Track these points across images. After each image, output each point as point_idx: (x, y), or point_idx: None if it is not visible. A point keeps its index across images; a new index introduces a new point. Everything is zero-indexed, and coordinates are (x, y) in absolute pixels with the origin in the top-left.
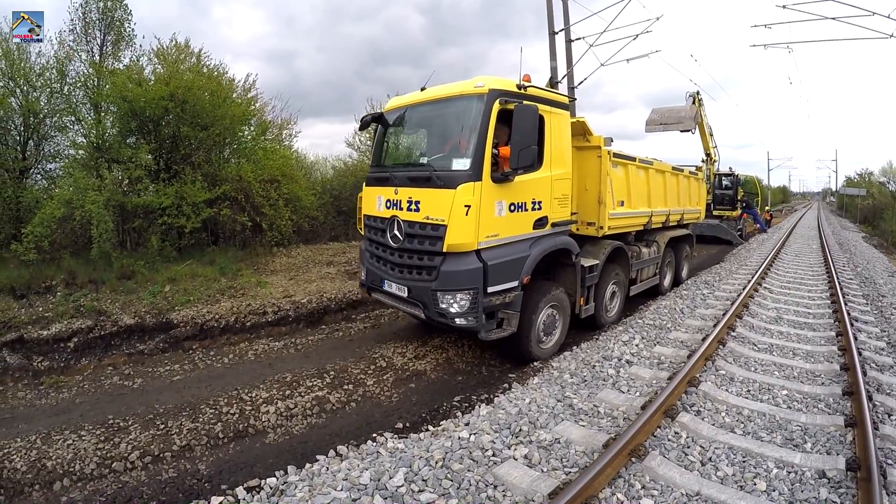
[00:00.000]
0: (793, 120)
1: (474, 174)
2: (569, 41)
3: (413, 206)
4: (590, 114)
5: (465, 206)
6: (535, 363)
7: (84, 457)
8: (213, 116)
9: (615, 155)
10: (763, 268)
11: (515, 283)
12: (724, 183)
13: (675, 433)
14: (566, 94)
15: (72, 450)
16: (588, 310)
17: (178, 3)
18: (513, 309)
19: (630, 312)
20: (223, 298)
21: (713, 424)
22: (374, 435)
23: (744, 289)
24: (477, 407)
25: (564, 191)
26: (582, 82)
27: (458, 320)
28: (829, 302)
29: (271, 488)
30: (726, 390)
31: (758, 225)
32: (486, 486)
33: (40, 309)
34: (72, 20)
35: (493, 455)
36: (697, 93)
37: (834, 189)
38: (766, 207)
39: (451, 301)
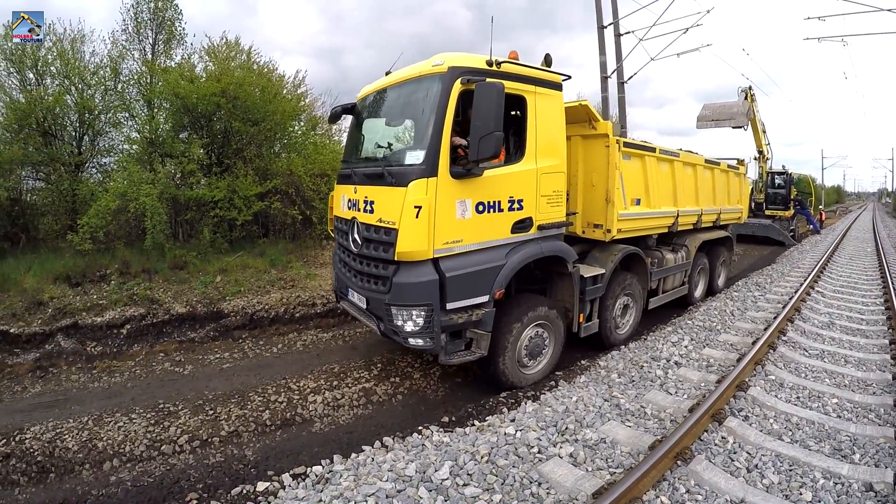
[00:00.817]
0: (847, 117)
1: (428, 169)
2: (618, 35)
3: (368, 207)
4: (639, 109)
5: (416, 206)
6: (583, 361)
7: (134, 439)
8: (264, 112)
9: (627, 144)
10: (816, 271)
11: (486, 298)
12: (777, 182)
13: (722, 438)
14: (560, 72)
15: (122, 432)
16: (590, 328)
17: (227, 1)
18: (483, 328)
19: (649, 328)
20: (273, 289)
21: (761, 430)
22: (420, 428)
23: (796, 292)
24: (523, 403)
25: (556, 186)
26: (631, 77)
27: (411, 340)
28: (883, 308)
29: (317, 476)
30: (775, 396)
31: (811, 226)
32: (531, 482)
33: (94, 296)
34: (124, 20)
35: (539, 452)
36: (749, 88)
37: (890, 189)
38: (820, 207)
39: (406, 317)
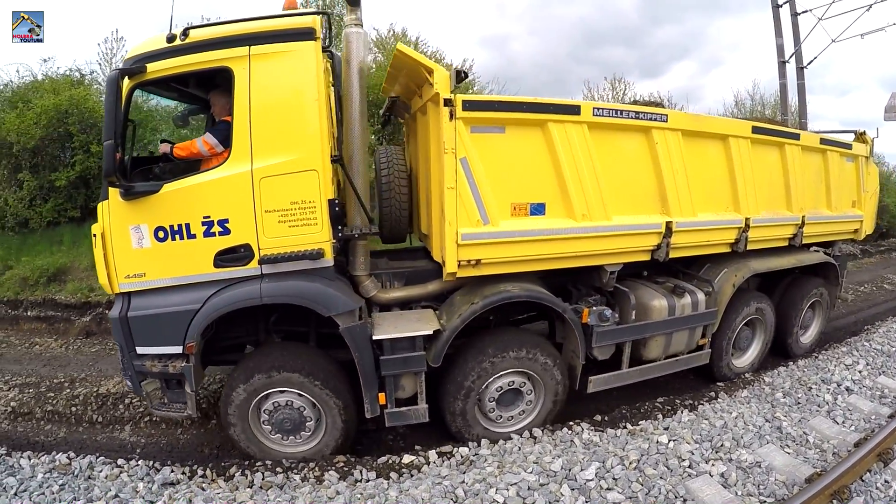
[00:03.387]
0: None
1: (104, 189)
2: (794, 14)
3: None
4: (819, 97)
5: (94, 234)
6: (747, 375)
7: None
8: None
9: (487, 105)
10: None
11: (178, 350)
12: None
13: (885, 482)
14: (309, 11)
15: None
16: (403, 416)
17: None
18: (173, 388)
19: (821, 346)
20: None
21: None
22: (571, 423)
23: None
24: (679, 412)
25: (301, 194)
26: (811, 62)
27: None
28: None
29: (462, 457)
30: None
31: None
32: (676, 497)
33: None
34: None
35: (690, 466)
36: None
37: None
38: None
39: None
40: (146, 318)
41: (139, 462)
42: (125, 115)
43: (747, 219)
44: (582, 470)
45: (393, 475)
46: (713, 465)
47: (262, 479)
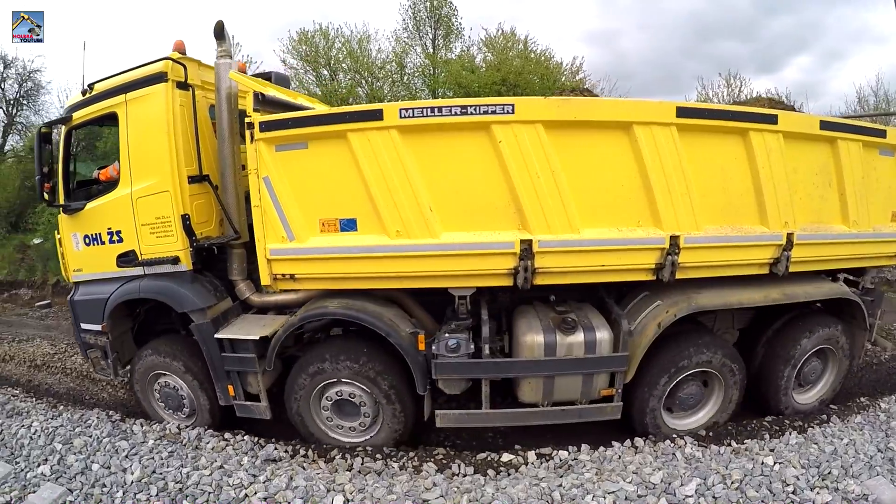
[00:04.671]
0: None
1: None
2: None
3: None
4: None
5: (57, 238)
6: (862, 399)
7: None
8: None
9: (283, 124)
10: None
11: (98, 328)
12: None
13: None
14: (163, 57)
15: None
16: (249, 409)
17: None
18: (104, 358)
19: None
20: None
21: None
22: (674, 436)
23: None
24: (787, 433)
25: (160, 211)
26: None
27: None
28: None
29: (561, 461)
30: None
31: None
32: None
33: None
34: (403, 20)
35: (794, 493)
36: None
37: None
38: None
39: None
40: (82, 302)
41: (245, 437)
42: (66, 152)
43: (674, 236)
44: (682, 485)
45: (490, 472)
46: (818, 493)
47: (362, 464)
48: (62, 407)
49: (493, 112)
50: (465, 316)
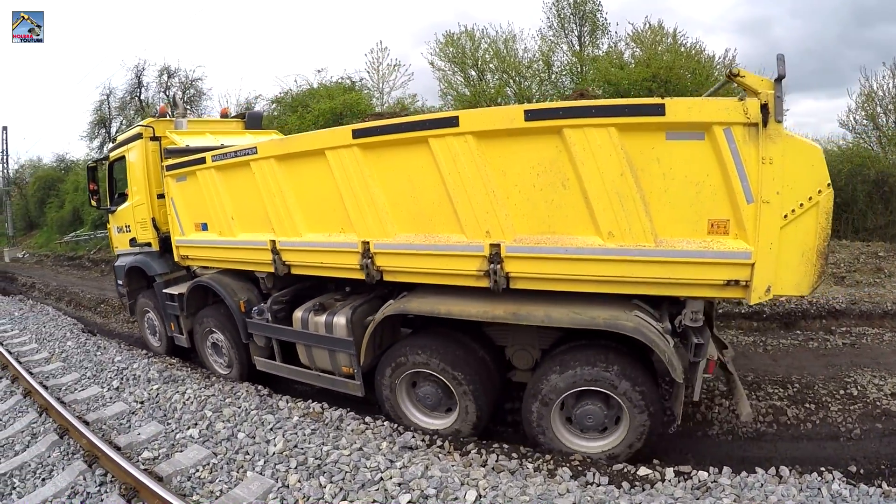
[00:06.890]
0: None
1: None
2: None
3: None
4: None
5: (109, 227)
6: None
7: None
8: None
9: (174, 167)
10: None
11: (122, 283)
12: None
13: None
14: (141, 128)
15: None
16: (178, 339)
17: None
18: (127, 301)
19: None
20: None
21: None
22: (822, 469)
23: None
24: None
25: (142, 215)
26: None
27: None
28: None
29: (700, 482)
30: None
31: None
32: None
33: None
34: (548, 18)
35: None
36: None
37: None
38: None
39: None
40: (118, 267)
41: (384, 423)
42: (109, 176)
43: (365, 241)
44: None
45: (625, 485)
46: None
47: (496, 461)
48: (213, 378)
49: (245, 154)
50: (275, 292)
